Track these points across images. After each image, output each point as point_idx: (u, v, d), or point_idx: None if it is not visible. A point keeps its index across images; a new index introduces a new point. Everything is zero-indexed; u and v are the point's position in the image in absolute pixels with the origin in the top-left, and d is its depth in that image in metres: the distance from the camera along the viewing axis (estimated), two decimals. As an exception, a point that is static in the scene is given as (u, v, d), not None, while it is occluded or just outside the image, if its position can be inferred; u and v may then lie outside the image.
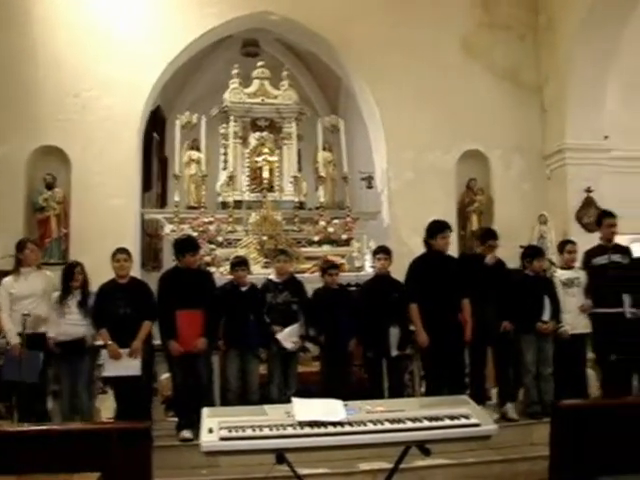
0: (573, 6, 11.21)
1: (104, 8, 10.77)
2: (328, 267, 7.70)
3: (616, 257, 7.47)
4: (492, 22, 11.96)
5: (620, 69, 11.61)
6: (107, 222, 10.12)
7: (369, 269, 9.61)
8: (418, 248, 7.66)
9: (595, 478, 4.31)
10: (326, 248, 10.34)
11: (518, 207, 11.51)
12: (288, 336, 7.20)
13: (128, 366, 6.77)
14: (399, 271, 7.58)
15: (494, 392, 7.76)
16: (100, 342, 6.91)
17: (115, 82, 10.58)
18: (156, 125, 13.85)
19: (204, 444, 3.87)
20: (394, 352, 7.26)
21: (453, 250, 8.35)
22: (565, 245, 7.88)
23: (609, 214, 7.89)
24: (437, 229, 7.29)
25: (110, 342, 6.77)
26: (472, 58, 11.80)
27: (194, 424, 6.10)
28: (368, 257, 9.73)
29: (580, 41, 11.15)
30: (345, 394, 4.60)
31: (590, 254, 7.68)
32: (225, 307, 7.18)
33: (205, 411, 4.21)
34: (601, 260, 7.49)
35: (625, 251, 7.65)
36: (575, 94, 11.41)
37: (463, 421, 4.13)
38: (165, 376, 7.60)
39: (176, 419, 7.00)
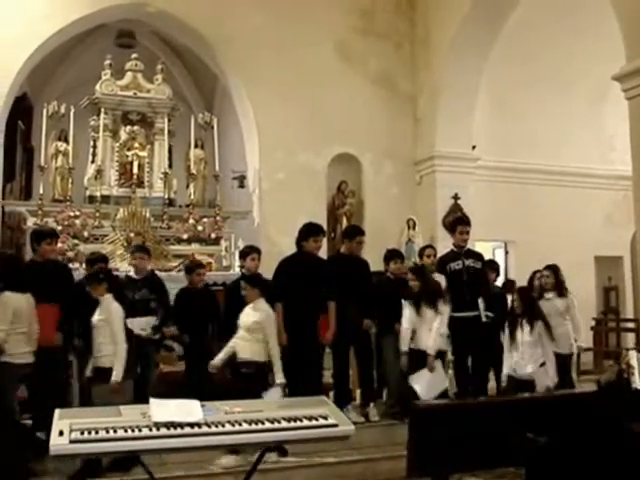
0: (447, 21, 11.62)
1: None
2: (195, 267, 7.61)
3: (469, 262, 7.68)
4: (368, 29, 12.19)
5: (489, 83, 12.08)
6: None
7: (237, 269, 9.55)
8: (288, 248, 7.67)
9: (449, 475, 4.44)
10: (195, 246, 10.26)
11: (388, 211, 11.77)
12: (137, 324, 7.03)
13: None
14: (268, 271, 7.54)
15: (358, 393, 7.83)
16: None
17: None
18: (23, 113, 13.29)
19: (53, 447, 3.70)
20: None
21: (322, 252, 8.37)
22: (424, 250, 8.05)
23: (462, 221, 8.07)
24: (311, 232, 7.29)
25: None
26: (347, 63, 11.98)
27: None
28: (237, 256, 9.66)
29: (453, 55, 11.62)
30: (209, 394, 4.53)
31: (444, 260, 7.82)
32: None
33: (57, 412, 4.03)
34: (456, 265, 7.66)
35: (477, 256, 7.88)
36: (446, 105, 11.84)
37: (321, 422, 4.15)
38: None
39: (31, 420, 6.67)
